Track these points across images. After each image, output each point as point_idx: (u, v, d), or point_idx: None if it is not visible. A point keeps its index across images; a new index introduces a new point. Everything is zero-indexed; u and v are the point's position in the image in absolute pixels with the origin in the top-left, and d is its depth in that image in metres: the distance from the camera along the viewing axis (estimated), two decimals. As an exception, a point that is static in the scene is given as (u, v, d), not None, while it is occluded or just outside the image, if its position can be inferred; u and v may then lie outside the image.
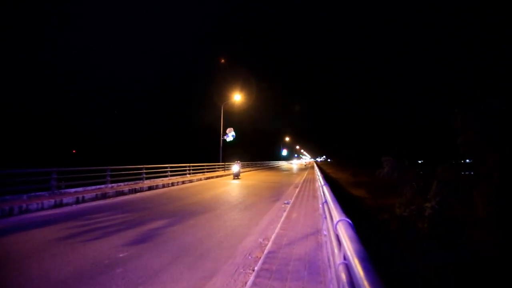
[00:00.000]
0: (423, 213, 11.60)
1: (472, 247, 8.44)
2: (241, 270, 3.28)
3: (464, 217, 10.74)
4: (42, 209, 6.79)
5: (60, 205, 7.21)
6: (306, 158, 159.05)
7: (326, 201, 3.19)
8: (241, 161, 32.22)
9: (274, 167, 42.16)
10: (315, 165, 36.45)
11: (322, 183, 3.99)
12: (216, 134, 24.25)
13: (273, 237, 4.14)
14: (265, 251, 3.47)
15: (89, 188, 9.21)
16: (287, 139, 69.93)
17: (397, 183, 15.06)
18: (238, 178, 17.50)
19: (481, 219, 10.51)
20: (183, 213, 6.53)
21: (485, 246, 8.55)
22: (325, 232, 3.76)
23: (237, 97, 24.63)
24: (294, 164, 63.89)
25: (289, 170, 31.23)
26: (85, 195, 8.03)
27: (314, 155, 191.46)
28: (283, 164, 58.68)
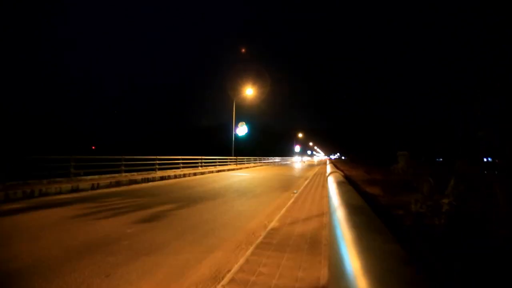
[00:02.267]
0: (441, 209, 11.22)
1: (491, 244, 8.11)
2: (243, 246, 3.32)
3: (484, 214, 10.29)
4: (60, 193, 7.11)
5: (76, 190, 7.53)
6: (320, 155, 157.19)
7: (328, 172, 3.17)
8: (252, 157, 32.46)
9: (285, 163, 41.98)
10: (327, 161, 36.04)
11: (328, 162, 3.95)
12: (228, 129, 24.43)
13: (277, 217, 4.15)
14: (268, 228, 3.49)
15: (104, 176, 9.55)
16: (300, 135, 69.43)
17: (412, 179, 14.60)
18: None
19: (503, 217, 10.04)
20: (192, 199, 6.66)
21: (506, 243, 8.19)
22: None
23: (249, 92, 24.52)
24: (306, 161, 63.36)
25: (300, 166, 31.05)
26: (100, 182, 8.33)
27: (327, 152, 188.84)
28: (295, 160, 58.35)
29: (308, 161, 66.92)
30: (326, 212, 4.42)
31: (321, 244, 3.01)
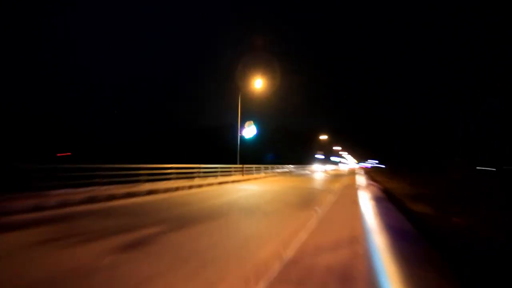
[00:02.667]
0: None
1: None
2: (252, 283, 3.19)
3: None
4: (20, 212, 7.16)
5: (40, 208, 7.56)
6: (350, 163, 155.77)
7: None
8: (262, 164, 32.36)
9: (305, 173, 41.74)
10: (360, 170, 35.71)
11: (360, 171, 3.81)
12: (233, 130, 24.44)
13: (296, 244, 4.03)
14: (284, 259, 3.38)
15: (75, 190, 9.63)
16: (323, 137, 68.99)
17: (472, 194, 14.17)
18: None
19: None
20: (187, 219, 6.60)
21: None
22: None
23: (258, 84, 24.28)
24: (331, 170, 62.89)
25: (324, 177, 30.79)
26: (70, 197, 8.38)
27: (360, 158, 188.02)
28: (316, 169, 58.00)
29: (334, 170, 66.29)
30: (360, 238, 4.27)
31: (356, 280, 2.86)
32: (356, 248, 4.07)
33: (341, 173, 45.97)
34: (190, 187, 13.92)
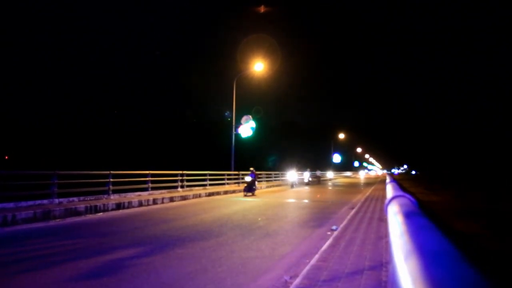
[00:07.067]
0: None
1: None
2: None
3: None
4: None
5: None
6: (375, 168, 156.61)
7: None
8: (264, 171, 32.41)
9: (317, 181, 41.84)
10: (387, 178, 35.72)
11: (388, 179, 3.88)
12: (228, 126, 24.46)
13: (305, 270, 4.10)
14: (290, 288, 3.45)
15: (23, 203, 9.67)
16: (341, 136, 69.11)
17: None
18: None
19: None
20: (168, 239, 6.67)
21: None
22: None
23: (259, 67, 24.32)
24: (350, 176, 62.90)
25: (341, 186, 30.89)
26: (17, 213, 8.42)
27: (387, 164, 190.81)
28: (333, 176, 58.06)
29: (354, 176, 66.38)
30: (386, 262, 4.35)
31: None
32: (380, 275, 4.14)
33: (364, 181, 45.96)
34: (172, 199, 14.00)
